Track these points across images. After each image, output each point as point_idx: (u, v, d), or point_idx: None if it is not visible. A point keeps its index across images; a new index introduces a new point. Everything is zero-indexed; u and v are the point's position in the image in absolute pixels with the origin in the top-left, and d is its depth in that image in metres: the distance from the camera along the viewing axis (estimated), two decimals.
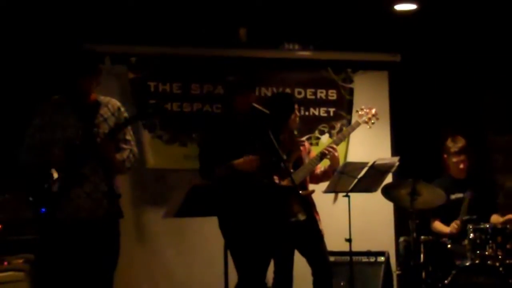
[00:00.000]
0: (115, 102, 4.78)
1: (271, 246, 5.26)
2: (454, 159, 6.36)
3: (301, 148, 5.53)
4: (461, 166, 6.35)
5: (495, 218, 6.21)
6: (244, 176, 5.05)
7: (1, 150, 5.94)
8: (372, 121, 5.84)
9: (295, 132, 5.61)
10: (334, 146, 5.57)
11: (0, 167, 5.83)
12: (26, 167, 4.64)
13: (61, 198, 4.49)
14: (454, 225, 6.04)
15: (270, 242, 5.23)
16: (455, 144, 6.37)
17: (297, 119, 5.54)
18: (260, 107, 5.09)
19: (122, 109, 4.78)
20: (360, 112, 5.87)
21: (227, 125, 5.20)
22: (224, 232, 5.21)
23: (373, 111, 5.85)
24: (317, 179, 5.68)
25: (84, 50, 5.08)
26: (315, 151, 5.76)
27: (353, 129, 5.79)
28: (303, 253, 5.46)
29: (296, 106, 5.52)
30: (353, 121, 6.20)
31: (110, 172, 4.65)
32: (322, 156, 5.51)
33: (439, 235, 6.20)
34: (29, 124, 4.65)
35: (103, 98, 4.74)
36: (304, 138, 6.07)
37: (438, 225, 6.30)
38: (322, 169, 5.66)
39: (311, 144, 6.25)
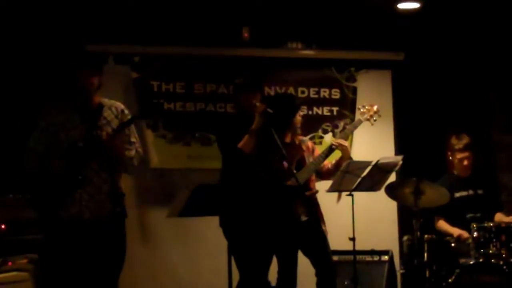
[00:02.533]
0: (119, 105, 4.80)
1: (273, 245, 5.27)
2: (459, 156, 6.35)
3: (304, 147, 5.52)
4: (465, 162, 6.34)
5: (499, 217, 6.20)
6: (251, 176, 5.09)
7: (4, 150, 5.96)
8: (374, 118, 5.82)
9: (298, 132, 5.61)
10: (341, 139, 5.58)
11: (3, 167, 5.84)
12: (30, 173, 4.65)
13: (65, 199, 4.50)
14: (465, 234, 6.02)
15: (272, 241, 5.24)
16: (459, 141, 6.36)
17: (300, 119, 5.54)
18: (264, 106, 5.12)
19: (126, 111, 4.80)
20: (362, 110, 5.86)
21: (239, 124, 5.23)
22: (224, 230, 5.24)
23: (375, 108, 5.83)
24: (328, 174, 5.64)
25: (86, 50, 5.08)
26: (319, 150, 5.75)
27: (356, 127, 5.77)
28: (306, 253, 5.46)
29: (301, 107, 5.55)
30: (356, 119, 6.19)
31: (114, 173, 4.66)
32: (331, 150, 5.51)
33: (443, 234, 6.19)
34: (35, 127, 4.68)
35: (107, 101, 4.75)
36: (307, 138, 6.06)
37: (443, 225, 6.29)
38: (333, 161, 5.64)
39: (314, 143, 6.23)
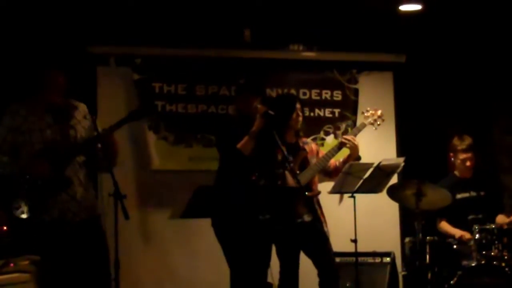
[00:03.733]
0: (84, 106, 4.76)
1: (268, 247, 5.28)
2: (462, 157, 6.35)
3: (307, 149, 5.52)
4: (468, 163, 6.34)
5: (501, 218, 6.19)
6: (250, 177, 5.08)
7: None
8: (378, 122, 5.83)
9: (301, 133, 5.61)
10: (353, 136, 5.57)
11: None
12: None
13: (46, 202, 4.48)
14: (466, 235, 6.01)
15: (272, 242, 5.25)
16: (462, 142, 6.36)
17: (300, 119, 5.53)
18: (265, 108, 5.13)
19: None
20: (366, 114, 5.86)
21: (239, 126, 5.23)
22: (216, 231, 5.24)
23: (379, 112, 5.84)
24: (337, 171, 5.63)
25: (55, 50, 5.02)
26: (323, 151, 5.75)
27: (359, 130, 5.77)
28: (308, 254, 5.46)
29: (298, 106, 5.51)
30: (359, 122, 6.19)
31: (94, 173, 4.65)
32: (340, 146, 5.50)
33: (445, 235, 6.19)
34: None
35: (73, 101, 4.71)
36: (310, 139, 6.06)
37: (444, 226, 6.29)
38: (341, 159, 5.63)
39: (317, 145, 6.24)
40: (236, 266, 5.23)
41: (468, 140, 6.35)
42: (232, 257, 5.23)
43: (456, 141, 6.39)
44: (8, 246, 5.52)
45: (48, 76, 4.58)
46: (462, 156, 6.35)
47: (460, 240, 6.01)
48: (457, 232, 6.11)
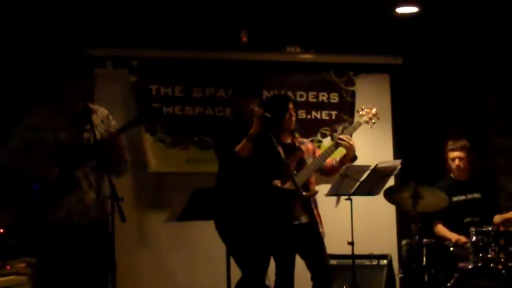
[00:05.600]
0: (104, 110, 4.77)
1: (269, 248, 5.27)
2: (450, 156, 6.35)
3: (303, 148, 5.52)
4: (457, 162, 6.34)
5: (497, 218, 6.18)
6: (248, 178, 5.09)
7: None
8: (373, 120, 5.80)
9: (296, 134, 5.61)
10: (348, 136, 5.56)
11: None
12: (11, 172, 4.58)
13: (53, 203, 4.48)
14: (462, 239, 6.02)
15: (268, 244, 5.24)
16: (454, 143, 6.37)
17: (294, 119, 5.51)
18: (262, 111, 5.13)
19: (111, 117, 4.78)
20: (360, 112, 5.84)
21: (236, 129, 5.24)
22: (220, 234, 5.24)
23: (374, 110, 5.82)
24: (333, 170, 5.60)
25: (77, 54, 5.05)
26: (319, 151, 5.74)
27: (354, 129, 5.73)
28: (302, 256, 5.44)
29: (291, 106, 5.49)
30: (355, 121, 6.19)
31: (103, 176, 4.64)
32: (336, 146, 5.50)
33: (442, 238, 6.19)
34: (17, 123, 4.58)
35: (93, 106, 4.72)
36: (308, 140, 6.04)
37: (441, 229, 6.29)
38: (337, 158, 5.62)
39: (312, 144, 6.23)
40: (243, 267, 5.23)
41: (461, 141, 6.36)
42: (239, 258, 5.22)
43: (450, 142, 6.40)
44: (5, 248, 5.53)
45: (71, 86, 4.58)
46: (451, 155, 6.36)
47: (457, 244, 6.01)
48: (453, 236, 6.11)
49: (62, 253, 4.47)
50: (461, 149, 6.35)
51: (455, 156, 6.36)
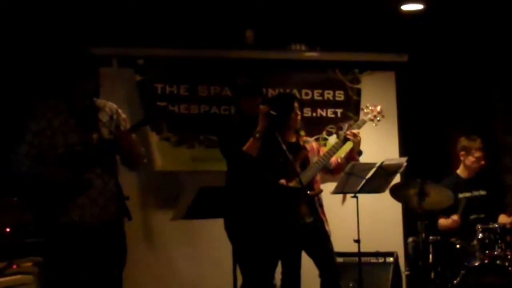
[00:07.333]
0: (112, 105, 4.71)
1: (278, 248, 5.27)
2: (477, 154, 6.34)
3: (308, 147, 5.52)
4: (483, 162, 6.35)
5: (503, 218, 6.18)
6: (254, 177, 5.09)
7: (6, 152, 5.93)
8: (378, 118, 5.81)
9: (302, 133, 5.61)
10: (356, 130, 5.56)
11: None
12: (24, 178, 4.56)
13: (65, 204, 4.48)
14: (454, 217, 6.02)
15: (277, 243, 5.24)
16: (475, 141, 6.36)
17: (299, 118, 5.52)
18: (267, 108, 5.13)
19: (120, 110, 4.74)
20: (365, 110, 5.85)
21: (241, 127, 5.24)
22: (229, 233, 5.24)
23: (379, 108, 5.83)
24: (339, 168, 5.62)
25: (82, 54, 5.03)
26: (324, 150, 5.74)
27: (359, 127, 5.74)
28: (310, 254, 5.45)
29: (296, 105, 5.50)
30: (360, 119, 6.18)
31: (116, 176, 4.63)
32: (344, 141, 5.50)
33: (447, 234, 6.17)
34: (25, 129, 4.54)
35: (99, 102, 4.68)
36: (312, 138, 6.04)
37: (441, 222, 6.28)
38: (342, 155, 5.62)
39: (319, 144, 6.23)
40: (247, 267, 5.22)
41: (479, 139, 6.37)
42: (246, 260, 5.21)
43: (467, 141, 6.38)
44: (11, 247, 5.53)
45: (76, 86, 4.56)
46: (477, 154, 6.35)
47: (461, 236, 5.99)
48: (449, 221, 6.12)
49: (73, 254, 4.47)
50: (482, 147, 6.35)
51: (481, 156, 6.35)
